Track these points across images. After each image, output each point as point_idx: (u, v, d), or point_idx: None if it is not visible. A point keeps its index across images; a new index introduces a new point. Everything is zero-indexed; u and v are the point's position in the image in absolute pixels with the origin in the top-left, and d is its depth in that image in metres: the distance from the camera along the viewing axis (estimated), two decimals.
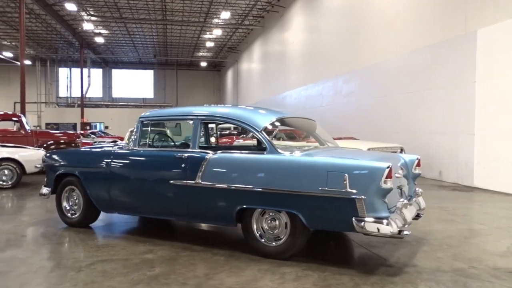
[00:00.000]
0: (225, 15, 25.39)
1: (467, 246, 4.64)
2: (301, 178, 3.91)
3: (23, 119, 12.10)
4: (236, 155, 4.39)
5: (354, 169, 3.73)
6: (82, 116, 35.90)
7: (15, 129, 11.98)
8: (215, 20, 28.23)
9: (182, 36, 32.74)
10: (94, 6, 25.44)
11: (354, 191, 3.64)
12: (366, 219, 3.63)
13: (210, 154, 4.40)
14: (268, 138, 4.24)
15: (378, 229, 3.59)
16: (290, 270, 3.79)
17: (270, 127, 4.42)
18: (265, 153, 4.21)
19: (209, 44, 34.55)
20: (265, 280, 3.55)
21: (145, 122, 5.02)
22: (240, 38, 33.65)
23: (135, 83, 45.20)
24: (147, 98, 44.67)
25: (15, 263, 4.05)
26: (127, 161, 4.95)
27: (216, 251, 4.34)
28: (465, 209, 6.73)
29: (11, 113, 13.08)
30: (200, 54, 40.02)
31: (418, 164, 4.90)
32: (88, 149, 5.61)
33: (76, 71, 38.78)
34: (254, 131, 4.31)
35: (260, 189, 4.03)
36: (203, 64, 42.77)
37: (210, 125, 6.36)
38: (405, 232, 3.80)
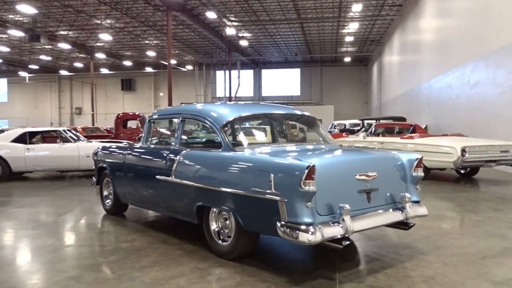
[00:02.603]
0: (357, 7, 24.48)
1: (468, 267, 3.78)
2: (238, 177, 3.78)
3: (144, 119, 13.84)
4: (197, 152, 4.43)
5: (277, 168, 3.45)
6: None
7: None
8: (350, 14, 27.42)
9: (320, 33, 32.64)
10: (232, 11, 27.23)
11: (277, 192, 3.36)
12: (286, 224, 3.32)
13: (183, 152, 4.51)
14: (225, 136, 4.16)
15: (296, 236, 3.24)
16: (222, 271, 3.70)
17: (233, 123, 4.33)
18: (220, 150, 4.15)
19: (349, 38, 33.67)
20: (183, 278, 3.55)
21: (151, 121, 5.39)
22: (381, 30, 31.99)
23: (283, 81, 46.71)
24: (294, 96, 45.75)
25: (25, 239, 4.83)
26: (133, 157, 5.38)
27: (185, 246, 4.45)
28: None
29: (137, 114, 15.11)
30: (344, 49, 39.29)
31: (419, 165, 4.18)
32: (116, 146, 6.23)
33: (231, 73, 41.96)
34: (214, 128, 4.27)
35: (210, 187, 4.00)
36: (347, 59, 41.85)
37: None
38: (345, 242, 3.36)
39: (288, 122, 7.22)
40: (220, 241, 4.04)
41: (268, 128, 5.28)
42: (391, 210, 3.94)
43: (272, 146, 4.46)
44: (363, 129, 13.35)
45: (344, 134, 15.63)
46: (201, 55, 41.74)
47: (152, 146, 5.25)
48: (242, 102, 5.00)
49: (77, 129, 22.18)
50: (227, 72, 39.47)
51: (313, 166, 3.25)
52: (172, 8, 24.10)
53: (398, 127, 12.66)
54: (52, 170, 10.67)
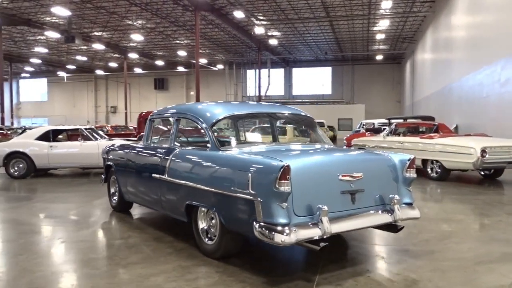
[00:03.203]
0: (387, 4, 23.95)
1: (458, 273, 3.63)
2: (221, 177, 3.78)
3: None
4: (187, 151, 4.45)
5: (254, 168, 3.43)
6: None
7: None
8: (380, 11, 26.86)
9: (350, 31, 32.15)
10: (260, 10, 27.24)
11: (254, 192, 3.34)
12: (261, 224, 3.29)
13: (175, 150, 4.56)
14: (213, 135, 4.16)
15: (272, 237, 3.21)
16: (205, 270, 3.71)
17: (225, 122, 4.33)
18: (207, 149, 4.16)
19: (380, 36, 32.97)
20: (163, 275, 3.58)
21: (151, 119, 5.47)
22: (414, 27, 31.16)
23: (314, 80, 46.29)
24: (325, 95, 45.31)
25: (28, 233, 5.02)
26: (133, 155, 5.48)
27: (176, 244, 4.49)
28: None
29: None
30: (375, 47, 38.54)
31: (411, 166, 4.05)
32: (120, 144, 6.34)
33: (261, 72, 42.05)
34: (203, 127, 4.29)
35: (197, 186, 4.02)
36: (379, 57, 40.97)
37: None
38: (322, 244, 3.31)
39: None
40: (207, 239, 4.06)
41: (267, 127, 5.24)
42: (380, 212, 3.84)
43: (265, 146, 4.43)
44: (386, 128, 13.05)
45: (367, 133, 15.32)
46: (232, 54, 41.97)
47: (151, 145, 5.33)
48: (249, 102, 4.99)
49: (107, 127, 22.82)
50: (257, 71, 39.49)
51: (288, 166, 3.21)
52: (200, 8, 24.37)
53: (420, 126, 12.29)
54: (74, 167, 11.02)
